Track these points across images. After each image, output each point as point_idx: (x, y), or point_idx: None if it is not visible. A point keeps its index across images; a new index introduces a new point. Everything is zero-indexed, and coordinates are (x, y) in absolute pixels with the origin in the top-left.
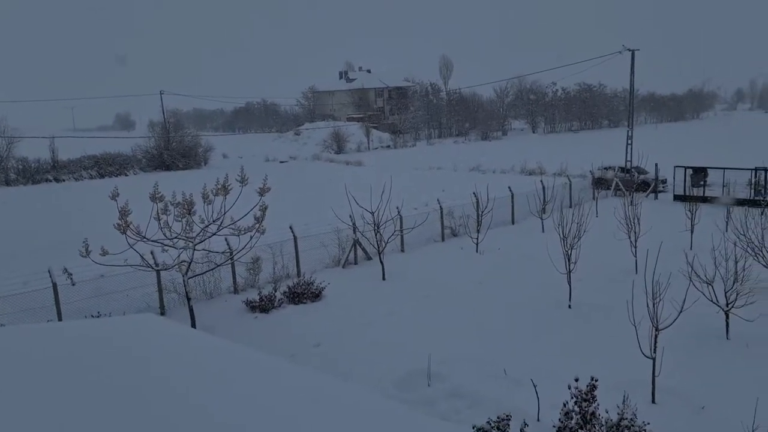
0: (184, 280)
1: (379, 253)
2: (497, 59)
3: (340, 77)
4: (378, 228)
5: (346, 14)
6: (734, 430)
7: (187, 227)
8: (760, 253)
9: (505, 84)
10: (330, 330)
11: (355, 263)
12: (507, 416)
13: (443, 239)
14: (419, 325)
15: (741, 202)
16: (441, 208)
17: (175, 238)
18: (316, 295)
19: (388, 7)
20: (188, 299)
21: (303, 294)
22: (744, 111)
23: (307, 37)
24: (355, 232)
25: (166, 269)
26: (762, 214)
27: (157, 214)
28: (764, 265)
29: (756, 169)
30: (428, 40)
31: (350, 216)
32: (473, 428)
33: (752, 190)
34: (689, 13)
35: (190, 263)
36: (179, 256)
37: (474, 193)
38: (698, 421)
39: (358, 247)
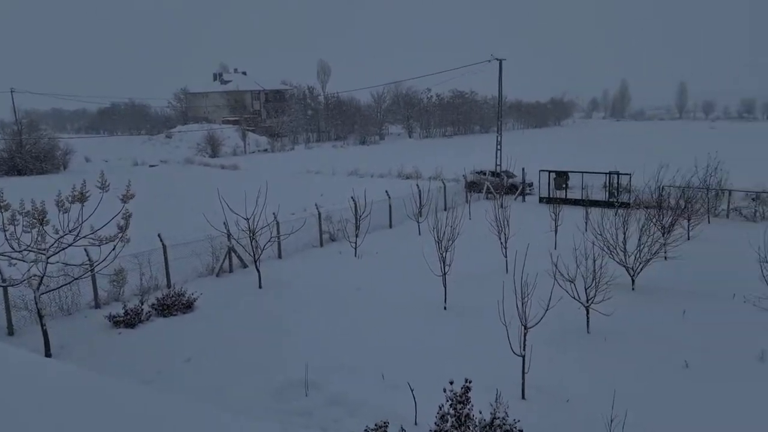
0: (35, 296)
1: (255, 261)
2: (374, 65)
3: (215, 79)
4: (253, 234)
5: (221, 16)
6: (596, 421)
7: (39, 238)
8: (615, 251)
9: (382, 89)
10: (202, 343)
11: (230, 271)
12: (384, 423)
13: (322, 244)
14: (296, 334)
15: (598, 204)
16: (319, 213)
17: (25, 250)
18: (188, 306)
19: (265, 11)
20: (40, 317)
21: (173, 306)
22: (598, 119)
23: (180, 37)
24: (229, 239)
25: (13, 285)
26: (615, 214)
27: (2, 224)
28: (618, 263)
29: (610, 173)
30: (306, 45)
31: (224, 223)
32: None
33: (607, 193)
34: (552, 25)
35: (42, 277)
36: (29, 269)
37: (352, 198)
38: (564, 414)
39: (232, 254)
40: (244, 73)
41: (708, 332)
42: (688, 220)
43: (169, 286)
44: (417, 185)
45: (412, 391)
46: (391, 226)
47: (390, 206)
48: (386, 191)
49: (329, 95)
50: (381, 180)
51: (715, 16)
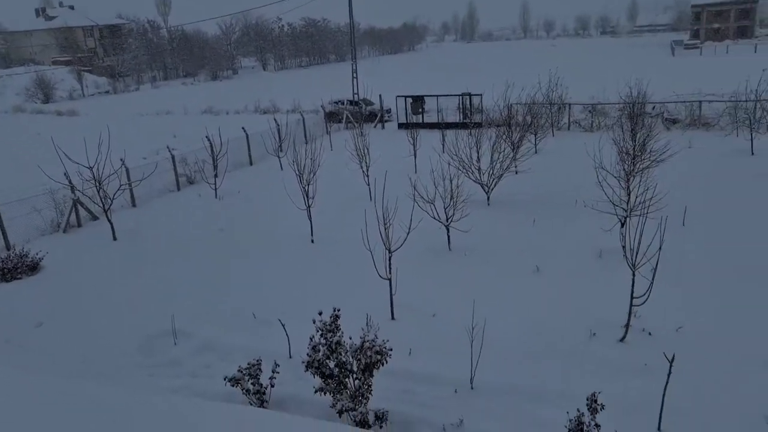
0: None
1: (106, 212)
2: None
3: (37, 15)
4: (100, 184)
5: None
6: (458, 331)
7: None
8: (470, 170)
9: (230, 20)
10: (54, 305)
11: (79, 226)
12: (257, 361)
13: (179, 188)
14: (157, 284)
15: (452, 125)
16: (173, 155)
17: None
18: (33, 268)
19: None
20: None
21: (15, 269)
22: (450, 42)
23: None
24: (73, 192)
25: None
26: (470, 134)
27: None
28: (474, 181)
29: (462, 95)
30: None
31: (65, 173)
32: (224, 379)
33: (461, 114)
34: None
35: None
36: None
37: (207, 137)
38: (430, 328)
39: (79, 207)
40: (71, 7)
41: (555, 237)
42: (535, 135)
43: (8, 248)
44: (275, 119)
45: (283, 326)
46: (251, 164)
47: (248, 143)
48: (243, 128)
49: (172, 29)
50: (237, 117)
51: None
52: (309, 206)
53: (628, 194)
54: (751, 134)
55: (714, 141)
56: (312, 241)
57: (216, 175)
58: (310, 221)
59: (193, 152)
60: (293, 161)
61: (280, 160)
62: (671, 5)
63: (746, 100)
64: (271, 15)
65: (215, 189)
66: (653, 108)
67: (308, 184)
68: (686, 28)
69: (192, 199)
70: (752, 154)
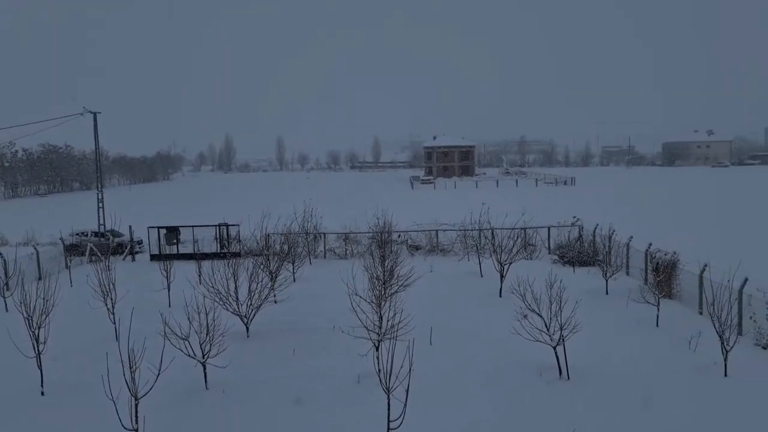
0: None
1: None
2: None
3: None
4: None
5: None
6: None
7: None
8: (228, 302)
9: None
10: None
11: None
12: None
13: None
14: None
15: (209, 256)
16: None
17: None
18: None
19: None
20: None
21: None
22: (207, 172)
23: None
24: None
25: None
26: (227, 265)
27: None
28: (232, 312)
29: (219, 225)
30: None
31: None
32: None
33: (218, 244)
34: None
35: None
36: None
37: None
38: None
39: None
40: None
41: (315, 365)
42: (293, 263)
43: None
44: (0, 254)
45: None
46: None
47: None
48: None
49: None
50: None
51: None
52: (39, 353)
53: (380, 318)
54: (479, 258)
55: (451, 265)
56: (42, 394)
57: None
58: (41, 371)
59: None
60: (20, 302)
61: (5, 302)
62: (408, 145)
63: (472, 229)
64: (2, 140)
65: None
66: (399, 236)
67: (39, 327)
68: (421, 166)
69: None
70: (481, 276)
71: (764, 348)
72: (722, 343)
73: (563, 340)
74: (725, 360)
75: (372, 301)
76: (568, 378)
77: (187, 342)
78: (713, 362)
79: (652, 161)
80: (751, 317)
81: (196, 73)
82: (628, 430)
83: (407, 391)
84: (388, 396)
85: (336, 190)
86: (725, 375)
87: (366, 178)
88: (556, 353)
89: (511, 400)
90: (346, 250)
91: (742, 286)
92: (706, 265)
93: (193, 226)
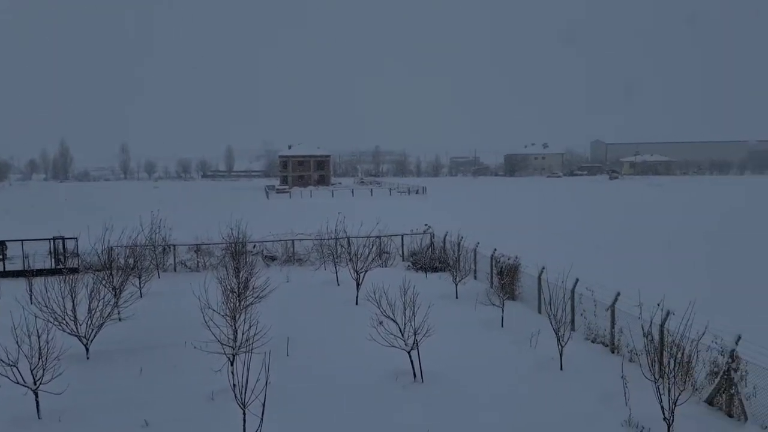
0: None
1: None
2: None
3: None
4: None
5: None
6: None
7: None
8: (64, 322)
9: None
10: None
11: None
12: None
13: None
14: None
15: (42, 273)
16: None
17: None
18: None
19: None
20: None
21: None
22: (39, 181)
23: None
24: None
25: None
26: (63, 281)
27: None
28: (69, 333)
29: (54, 239)
30: None
31: None
32: None
33: (53, 260)
34: None
35: None
36: None
37: None
38: None
39: None
40: None
41: (165, 385)
42: (139, 278)
43: None
44: None
45: None
46: None
47: None
48: None
49: None
50: None
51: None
52: None
53: (235, 332)
54: (335, 267)
55: (307, 274)
56: None
57: None
58: None
59: None
60: None
61: None
62: (263, 154)
63: (328, 238)
64: None
65: None
66: (254, 247)
67: None
68: (277, 175)
69: None
70: (338, 284)
71: (593, 342)
72: (558, 339)
73: (417, 344)
74: (561, 355)
75: (226, 315)
76: (422, 381)
77: (15, 368)
78: (551, 357)
79: (495, 172)
80: (581, 314)
81: (27, 75)
82: (477, 427)
83: (263, 404)
84: (244, 411)
85: (187, 200)
86: (561, 369)
87: (219, 188)
88: (410, 357)
89: (367, 406)
90: (198, 262)
91: (574, 286)
92: (543, 268)
93: (22, 240)
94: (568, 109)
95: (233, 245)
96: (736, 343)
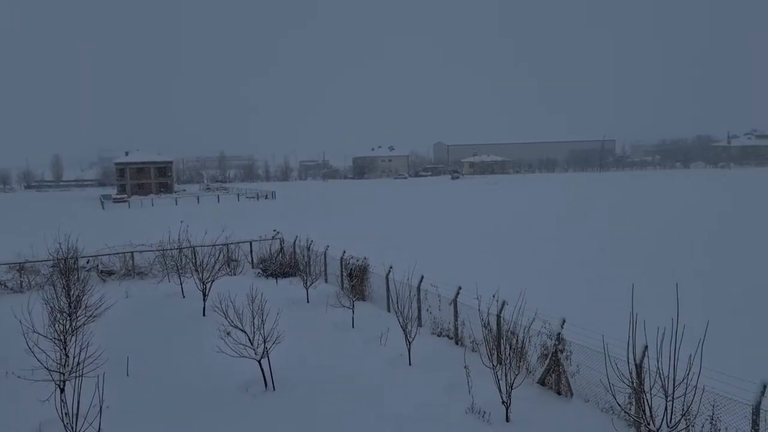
0: None
1: None
2: None
3: None
4: None
5: None
6: None
7: None
8: None
9: None
10: None
11: None
12: None
13: None
14: None
15: None
16: None
17: None
18: None
19: None
20: None
21: None
22: None
23: None
24: None
25: None
26: None
27: None
28: None
29: None
30: None
31: None
32: None
33: None
34: None
35: None
36: None
37: None
38: None
39: None
40: None
41: None
42: None
43: None
44: None
45: None
46: None
47: None
48: None
49: None
50: None
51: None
52: None
53: (66, 356)
54: (180, 278)
55: (149, 288)
56: None
57: None
58: None
59: None
60: None
61: None
62: (96, 161)
63: (171, 249)
64: None
65: None
66: (87, 262)
67: None
68: (113, 183)
69: None
70: (183, 296)
71: (439, 335)
72: (406, 336)
73: (267, 352)
74: (409, 351)
75: (55, 338)
76: (274, 389)
77: None
78: (400, 354)
79: (345, 174)
80: (428, 310)
81: None
82: (329, 428)
83: (98, 431)
84: None
85: (6, 213)
86: (410, 364)
87: (46, 199)
88: (261, 366)
89: (218, 419)
90: (21, 282)
91: (420, 283)
92: (391, 268)
93: None
94: (413, 113)
95: (62, 261)
96: (561, 327)
